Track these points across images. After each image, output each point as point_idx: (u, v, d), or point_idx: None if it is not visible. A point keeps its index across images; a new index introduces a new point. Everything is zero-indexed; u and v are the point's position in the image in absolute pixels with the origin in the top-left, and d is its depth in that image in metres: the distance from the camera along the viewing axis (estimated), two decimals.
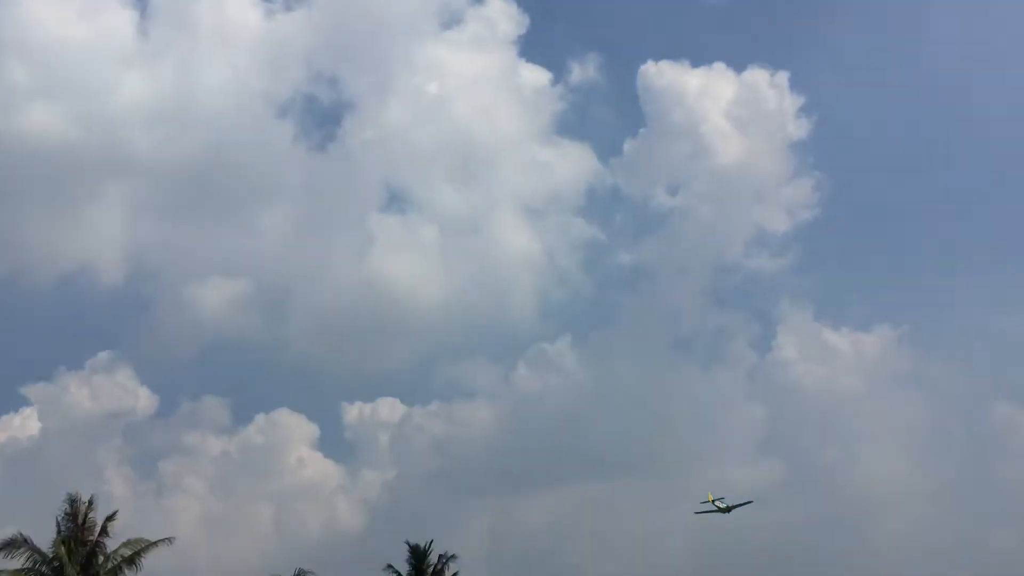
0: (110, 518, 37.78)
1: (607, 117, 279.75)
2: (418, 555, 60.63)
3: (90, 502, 40.41)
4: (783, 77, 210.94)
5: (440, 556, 61.05)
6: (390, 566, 60.51)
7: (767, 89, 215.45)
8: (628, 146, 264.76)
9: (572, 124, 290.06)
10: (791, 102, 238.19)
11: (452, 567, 61.21)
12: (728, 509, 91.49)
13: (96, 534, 39.38)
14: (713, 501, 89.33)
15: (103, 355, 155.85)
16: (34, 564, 38.77)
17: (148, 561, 37.39)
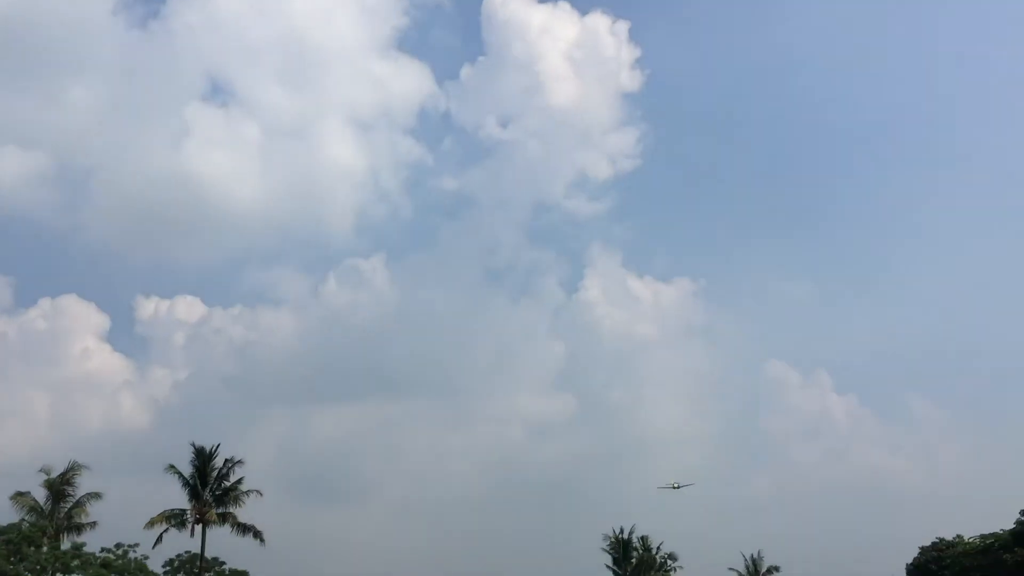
0: None
1: (448, 40, 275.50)
2: (203, 458, 59.80)
3: None
4: (624, 27, 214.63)
5: (226, 461, 60.56)
6: (172, 467, 59.41)
7: (607, 36, 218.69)
8: (466, 72, 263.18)
9: (412, 41, 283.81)
10: (628, 52, 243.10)
11: (238, 472, 60.85)
12: (678, 487, 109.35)
13: None
14: (673, 484, 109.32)
15: None
16: None
17: None
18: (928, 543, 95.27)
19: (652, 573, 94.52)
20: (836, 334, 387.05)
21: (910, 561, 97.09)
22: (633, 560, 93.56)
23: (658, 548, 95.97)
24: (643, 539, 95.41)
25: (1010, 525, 75.47)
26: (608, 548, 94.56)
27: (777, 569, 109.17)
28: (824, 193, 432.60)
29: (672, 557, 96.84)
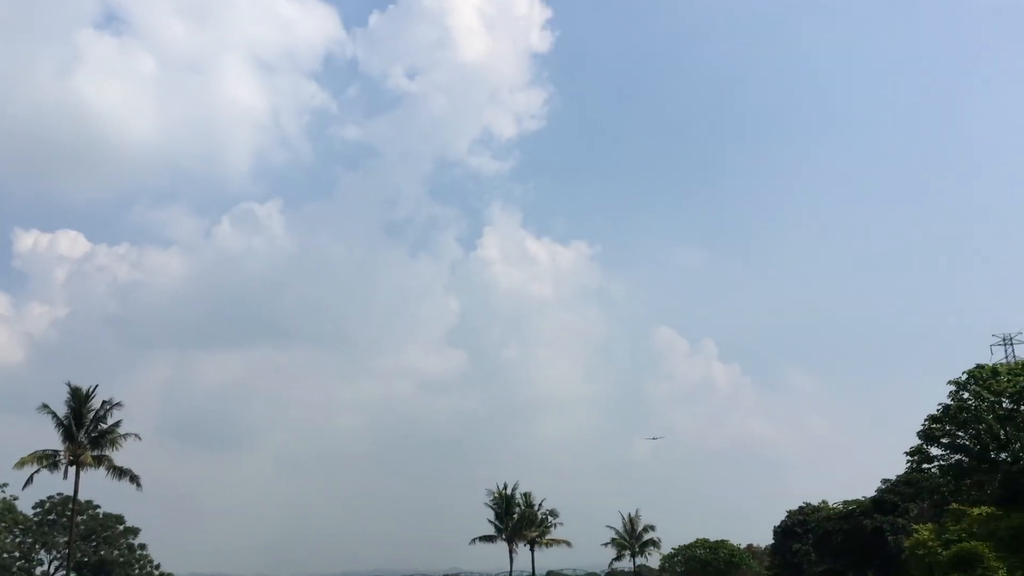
0: None
1: None
2: (79, 398, 57.82)
3: None
4: None
5: (104, 402, 58.74)
6: (46, 406, 57.25)
7: None
8: (375, 20, 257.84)
9: None
10: (539, 13, 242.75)
11: (116, 415, 59.09)
12: (655, 439, 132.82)
13: None
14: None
15: None
16: None
17: None
18: (795, 507, 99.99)
19: (532, 528, 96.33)
20: (724, 305, 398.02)
21: (777, 524, 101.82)
22: (515, 515, 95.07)
23: (540, 504, 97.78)
24: (526, 495, 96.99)
25: (872, 493, 79.66)
26: (491, 503, 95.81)
27: (653, 528, 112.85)
28: (722, 165, 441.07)
29: (553, 514, 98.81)
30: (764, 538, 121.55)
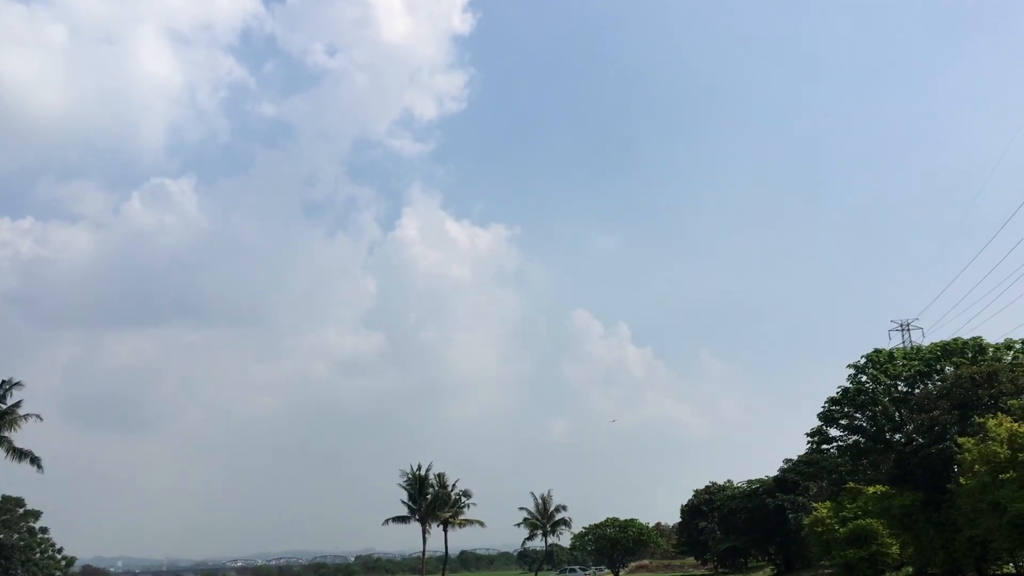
0: None
1: None
2: None
3: None
4: None
5: (3, 382, 56.87)
6: None
7: None
8: None
9: None
10: None
11: (16, 395, 57.34)
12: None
13: None
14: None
15: None
16: None
17: None
18: (702, 487, 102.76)
19: (446, 508, 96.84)
20: (639, 288, 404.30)
21: (685, 503, 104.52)
22: (428, 496, 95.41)
23: (454, 485, 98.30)
24: (439, 476, 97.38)
25: (775, 473, 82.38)
26: (405, 484, 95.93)
27: (564, 508, 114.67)
28: (639, 151, 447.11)
29: (467, 494, 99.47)
30: (672, 516, 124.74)
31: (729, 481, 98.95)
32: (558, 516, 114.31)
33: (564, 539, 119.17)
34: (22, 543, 70.31)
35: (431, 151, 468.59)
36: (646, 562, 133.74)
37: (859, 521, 48.16)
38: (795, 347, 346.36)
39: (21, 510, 74.46)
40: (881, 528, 47.70)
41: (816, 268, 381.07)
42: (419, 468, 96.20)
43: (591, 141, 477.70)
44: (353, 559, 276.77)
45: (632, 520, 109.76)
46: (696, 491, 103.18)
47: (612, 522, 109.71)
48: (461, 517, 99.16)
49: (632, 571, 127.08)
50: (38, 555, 71.98)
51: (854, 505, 49.34)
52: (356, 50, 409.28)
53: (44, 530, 78.94)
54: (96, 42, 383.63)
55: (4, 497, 73.47)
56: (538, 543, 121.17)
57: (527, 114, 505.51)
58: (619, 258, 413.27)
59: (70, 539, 77.55)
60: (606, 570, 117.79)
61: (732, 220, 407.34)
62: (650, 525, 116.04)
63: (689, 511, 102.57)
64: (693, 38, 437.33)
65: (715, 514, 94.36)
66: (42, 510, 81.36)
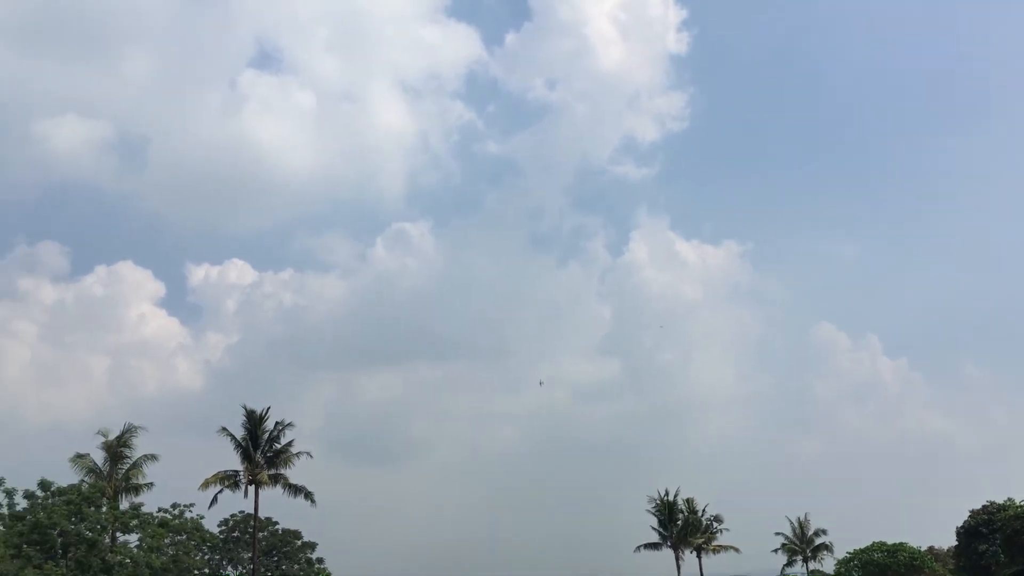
0: None
1: (495, 5, 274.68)
2: (254, 420, 60.82)
3: None
4: None
5: (277, 423, 61.55)
6: (225, 429, 60.57)
7: None
8: (512, 38, 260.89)
9: (461, 6, 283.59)
10: (674, 14, 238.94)
11: (288, 435, 61.88)
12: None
13: None
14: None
15: None
16: None
17: None
18: (978, 506, 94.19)
19: (697, 535, 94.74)
20: (887, 297, 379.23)
21: (960, 524, 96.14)
22: (679, 522, 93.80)
23: (703, 510, 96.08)
24: (688, 501, 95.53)
25: None
26: (653, 510, 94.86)
27: (824, 532, 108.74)
28: (875, 154, 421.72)
29: (718, 519, 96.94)
30: (944, 540, 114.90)
31: (1010, 499, 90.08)
32: (818, 540, 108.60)
33: (827, 565, 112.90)
34: (302, 573, 75.72)
35: (655, 173, 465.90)
36: None
37: None
38: None
39: (299, 542, 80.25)
40: None
41: None
42: (666, 494, 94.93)
43: (823, 147, 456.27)
44: None
45: (901, 544, 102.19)
46: (972, 511, 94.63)
47: (879, 546, 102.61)
48: (715, 543, 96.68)
49: None
50: None
51: None
52: (575, 81, 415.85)
53: (320, 560, 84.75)
54: (338, 102, 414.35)
55: (284, 530, 79.51)
56: (798, 569, 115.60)
57: (753, 126, 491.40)
58: (863, 266, 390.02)
59: (340, 567, 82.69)
60: None
61: (986, 217, 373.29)
62: (922, 549, 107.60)
63: (967, 533, 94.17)
64: (929, 36, 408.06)
65: (997, 536, 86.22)
66: (316, 541, 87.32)
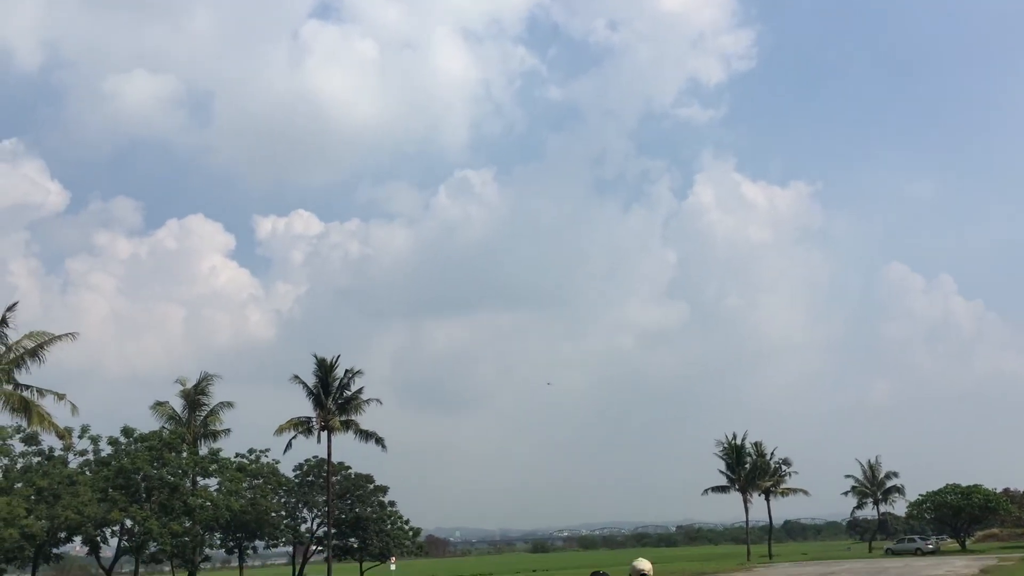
0: (11, 308, 36.37)
1: None
2: (325, 368, 61.85)
3: None
4: None
5: (347, 371, 62.51)
6: (297, 377, 61.76)
7: None
8: None
9: None
10: None
11: (358, 382, 62.88)
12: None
13: None
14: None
15: (8, 143, 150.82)
16: None
17: (52, 355, 36.44)
18: None
19: (766, 478, 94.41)
20: (964, 236, 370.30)
21: None
22: (747, 465, 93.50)
23: (772, 453, 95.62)
24: (756, 444, 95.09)
25: None
26: (721, 454, 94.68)
27: (896, 475, 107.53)
28: (951, 90, 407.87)
29: (787, 463, 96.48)
30: (1021, 482, 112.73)
31: None
32: (889, 483, 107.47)
33: (898, 507, 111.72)
34: (375, 516, 77.52)
35: (722, 115, 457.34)
36: (996, 531, 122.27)
37: None
38: None
39: (371, 486, 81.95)
40: None
41: None
42: (734, 437, 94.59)
43: (897, 83, 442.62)
44: (674, 529, 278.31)
45: (976, 486, 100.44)
46: None
47: (953, 488, 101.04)
48: (783, 486, 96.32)
49: (980, 541, 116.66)
50: (389, 526, 78.87)
51: None
52: (637, 22, 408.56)
53: (392, 503, 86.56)
54: (400, 50, 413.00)
55: (356, 474, 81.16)
56: (868, 512, 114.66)
57: (823, 63, 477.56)
58: (936, 204, 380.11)
59: (411, 512, 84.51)
60: (949, 540, 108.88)
61: None
62: (997, 491, 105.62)
63: None
64: None
65: None
66: (388, 486, 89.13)
